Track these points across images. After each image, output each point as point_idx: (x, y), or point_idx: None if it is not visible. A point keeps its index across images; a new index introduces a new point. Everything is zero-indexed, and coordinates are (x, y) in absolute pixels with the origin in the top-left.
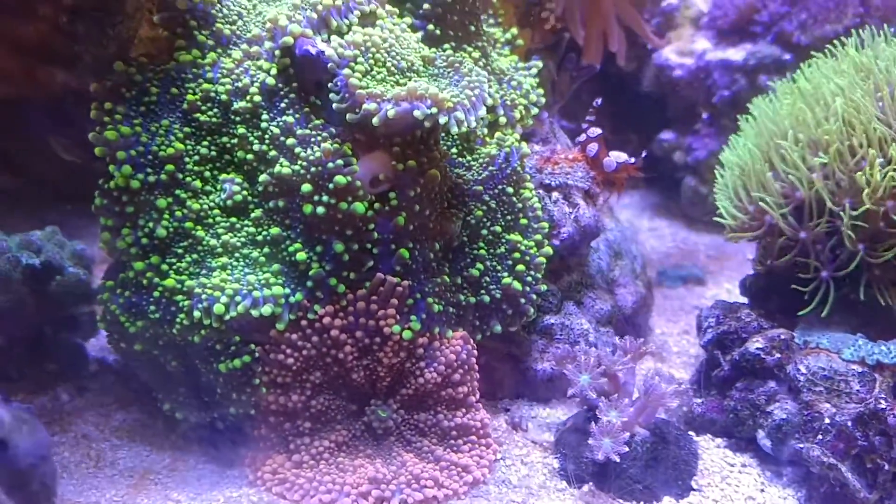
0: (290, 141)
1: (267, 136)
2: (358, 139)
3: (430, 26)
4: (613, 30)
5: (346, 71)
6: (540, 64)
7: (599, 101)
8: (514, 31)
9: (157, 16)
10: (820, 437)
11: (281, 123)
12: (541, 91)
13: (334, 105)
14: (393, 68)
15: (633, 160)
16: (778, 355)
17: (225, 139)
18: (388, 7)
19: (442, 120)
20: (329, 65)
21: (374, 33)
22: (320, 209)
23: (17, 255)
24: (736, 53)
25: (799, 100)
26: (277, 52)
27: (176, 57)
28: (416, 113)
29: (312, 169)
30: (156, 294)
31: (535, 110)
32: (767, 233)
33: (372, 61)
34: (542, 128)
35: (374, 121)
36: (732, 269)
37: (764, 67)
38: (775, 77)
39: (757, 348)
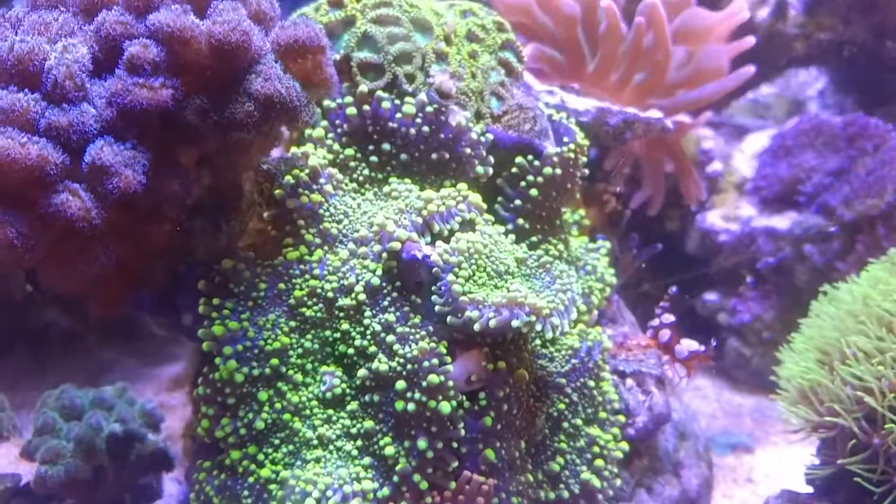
0: (390, 338)
1: (369, 332)
2: (456, 338)
3: (520, 220)
4: (661, 189)
5: (451, 277)
6: (608, 244)
7: (675, 289)
8: (582, 212)
9: (267, 213)
10: None
11: (382, 321)
12: (611, 271)
13: (437, 308)
14: (492, 272)
15: (704, 349)
16: None
17: (328, 332)
18: (485, 216)
19: (538, 327)
20: (434, 269)
21: (476, 240)
22: (411, 406)
23: (100, 421)
24: (781, 221)
25: (861, 306)
26: (384, 255)
27: (284, 253)
28: (514, 323)
29: (408, 366)
30: (251, 479)
31: (607, 291)
32: (839, 435)
33: (474, 267)
34: (611, 308)
35: (476, 327)
36: (778, 435)
37: (809, 237)
38: (820, 246)
39: None
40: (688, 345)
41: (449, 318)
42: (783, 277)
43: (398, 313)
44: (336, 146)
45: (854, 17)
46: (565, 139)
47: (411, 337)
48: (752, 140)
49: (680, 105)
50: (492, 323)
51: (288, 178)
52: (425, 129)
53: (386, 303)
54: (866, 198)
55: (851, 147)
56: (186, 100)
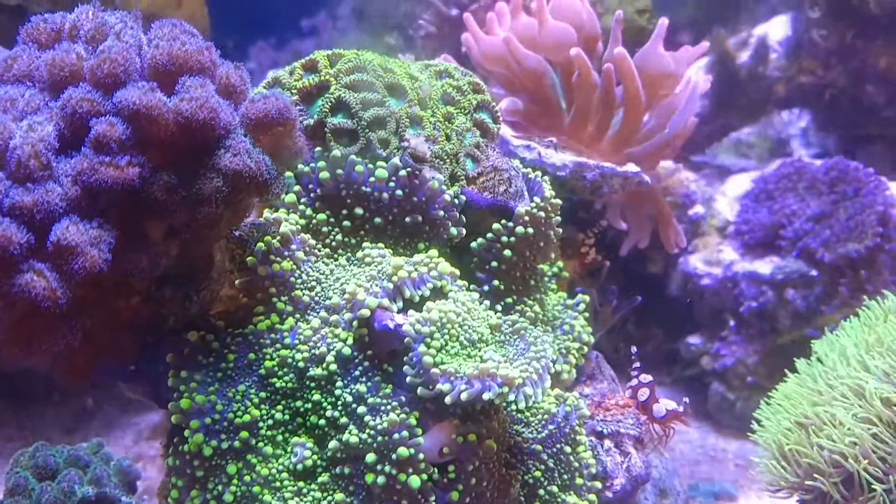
0: (361, 409)
1: (340, 403)
2: (428, 408)
3: (496, 282)
4: (647, 230)
5: (422, 348)
6: (587, 299)
7: (636, 349)
8: (561, 264)
9: (238, 280)
10: None
11: (354, 391)
12: (589, 330)
13: (408, 379)
14: (465, 341)
15: (681, 409)
16: None
17: (299, 403)
18: (459, 281)
19: (511, 398)
20: (406, 339)
21: (449, 309)
22: (381, 479)
23: (73, 485)
24: (763, 266)
25: (842, 366)
26: (355, 323)
27: (255, 322)
28: (486, 395)
29: (379, 438)
30: None
31: (585, 349)
32: (818, 496)
33: (447, 336)
34: (590, 364)
35: (447, 399)
36: (761, 481)
37: (791, 282)
38: (802, 290)
39: None
40: (665, 404)
41: (420, 390)
42: (766, 322)
43: (369, 383)
44: (309, 211)
45: (834, 62)
46: (535, 199)
47: (382, 408)
48: (734, 183)
49: (656, 150)
50: (463, 396)
51: (259, 244)
52: (399, 192)
53: (357, 372)
54: (847, 241)
55: (832, 191)
56: (154, 175)
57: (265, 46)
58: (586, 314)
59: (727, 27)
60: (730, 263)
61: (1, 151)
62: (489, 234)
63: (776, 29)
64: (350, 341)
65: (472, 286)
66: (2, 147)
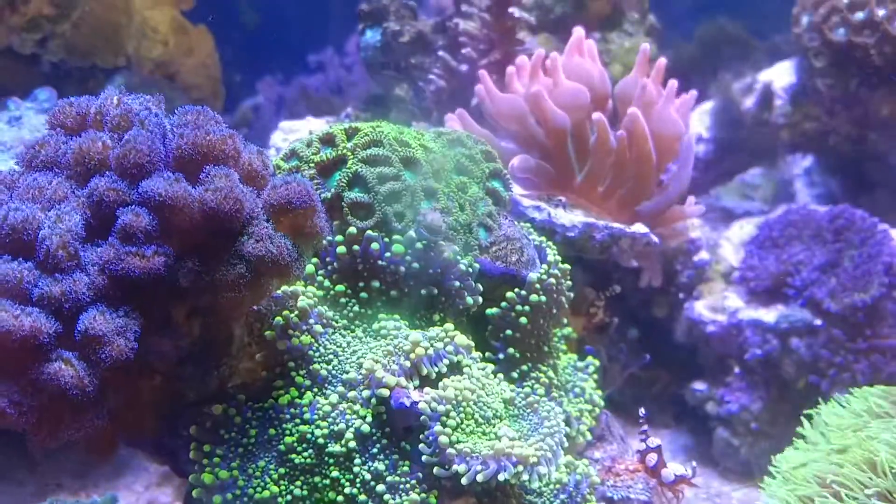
0: (380, 487)
1: (358, 481)
2: (444, 485)
3: (511, 350)
4: (658, 269)
5: (438, 427)
6: (597, 362)
7: (644, 412)
8: (570, 329)
9: (258, 354)
10: None
11: (372, 469)
12: (599, 392)
13: (424, 458)
14: (480, 418)
15: (689, 473)
16: None
17: (317, 479)
18: (474, 353)
19: (525, 477)
20: (422, 417)
21: (464, 386)
22: None
23: None
24: (768, 314)
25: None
26: (373, 400)
27: (275, 397)
28: (501, 476)
29: None
30: None
31: (597, 412)
32: None
33: (463, 414)
34: (599, 425)
35: (464, 480)
36: None
37: (796, 331)
38: (807, 339)
39: None
40: (674, 468)
41: (436, 470)
42: (770, 369)
43: (387, 461)
44: (327, 282)
45: (838, 110)
46: (544, 265)
47: (401, 486)
48: (739, 228)
49: (664, 207)
50: (479, 477)
51: (278, 319)
52: (415, 265)
53: (375, 450)
54: (853, 291)
55: (838, 239)
56: (178, 263)
57: (272, 82)
58: (596, 376)
59: (731, 71)
60: (735, 311)
61: (30, 241)
62: (503, 304)
63: (781, 75)
64: (368, 418)
65: (486, 354)
66: (31, 237)
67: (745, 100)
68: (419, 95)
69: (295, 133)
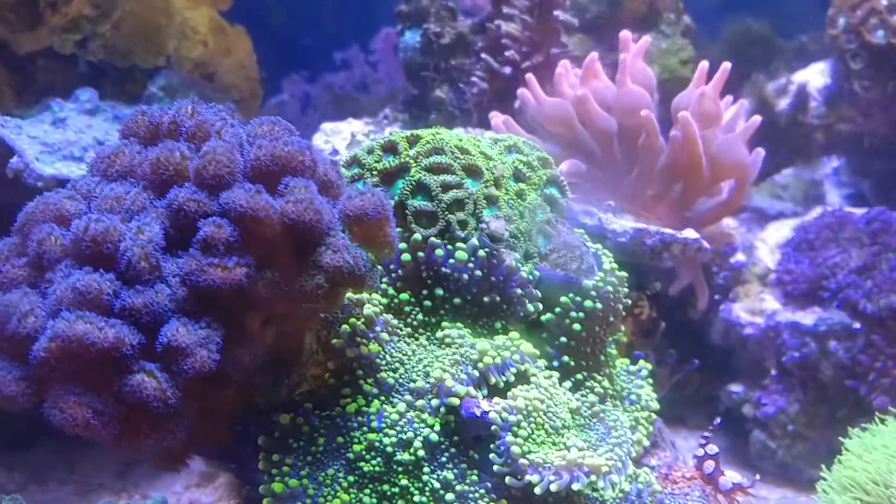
0: (450, 496)
1: (427, 489)
2: (514, 495)
3: (566, 358)
4: (704, 289)
5: (510, 437)
6: (649, 366)
7: (719, 421)
8: (622, 333)
9: (325, 361)
10: None
11: (441, 477)
12: (654, 396)
13: (495, 467)
14: (549, 429)
15: (748, 483)
16: None
17: (386, 487)
18: (539, 361)
19: (600, 485)
20: (493, 426)
21: (533, 396)
22: None
23: None
24: (805, 317)
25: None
26: (442, 409)
27: (343, 405)
28: (575, 486)
29: None
30: None
31: (653, 417)
32: None
33: (533, 425)
34: (653, 431)
35: (537, 490)
36: None
37: (834, 334)
38: (845, 342)
39: None
40: (731, 476)
41: (508, 479)
42: (808, 372)
43: (456, 470)
44: (391, 290)
45: (874, 112)
46: (599, 274)
47: (470, 495)
48: (774, 230)
49: (715, 214)
50: (553, 487)
51: (345, 326)
52: (478, 273)
53: (444, 458)
54: (890, 292)
55: (875, 242)
56: (258, 273)
57: (297, 79)
58: (650, 380)
59: (759, 71)
60: (772, 313)
61: (111, 253)
62: (557, 309)
63: (815, 76)
64: (437, 427)
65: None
66: (111, 248)
67: (779, 101)
68: (459, 97)
69: (338, 134)
